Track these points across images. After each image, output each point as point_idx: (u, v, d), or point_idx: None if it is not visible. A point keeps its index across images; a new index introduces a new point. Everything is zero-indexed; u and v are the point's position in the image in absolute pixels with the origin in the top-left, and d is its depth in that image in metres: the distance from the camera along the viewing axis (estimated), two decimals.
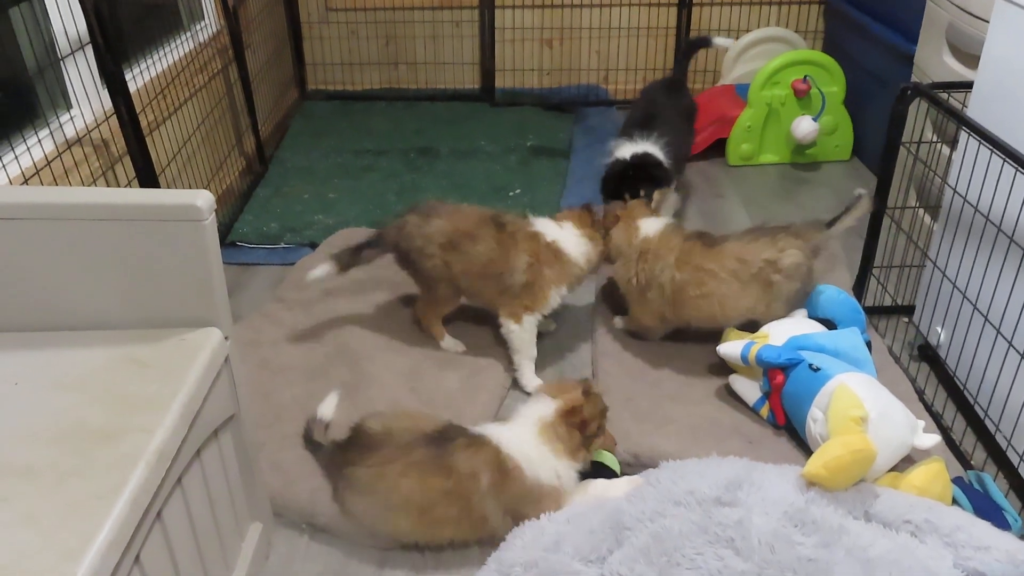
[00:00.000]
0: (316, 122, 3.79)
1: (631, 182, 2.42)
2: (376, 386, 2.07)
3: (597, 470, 1.74)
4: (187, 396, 1.27)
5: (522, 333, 2.09)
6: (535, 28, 3.99)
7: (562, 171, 3.29)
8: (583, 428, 1.63)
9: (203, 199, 1.34)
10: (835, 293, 2.03)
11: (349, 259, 2.17)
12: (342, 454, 1.68)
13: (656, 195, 2.29)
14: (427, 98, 4.01)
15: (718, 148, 3.42)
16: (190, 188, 2.68)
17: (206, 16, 3.18)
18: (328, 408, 1.85)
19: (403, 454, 1.59)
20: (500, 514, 1.58)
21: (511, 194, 3.10)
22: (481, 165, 3.34)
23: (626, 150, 2.54)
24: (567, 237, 2.09)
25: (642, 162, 2.48)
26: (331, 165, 3.36)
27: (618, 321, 2.30)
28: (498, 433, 1.62)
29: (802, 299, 2.06)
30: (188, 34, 3.00)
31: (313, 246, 2.77)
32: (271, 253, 2.78)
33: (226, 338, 1.43)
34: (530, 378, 2.12)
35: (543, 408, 1.65)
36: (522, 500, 1.58)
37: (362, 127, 3.72)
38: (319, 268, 2.16)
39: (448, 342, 2.25)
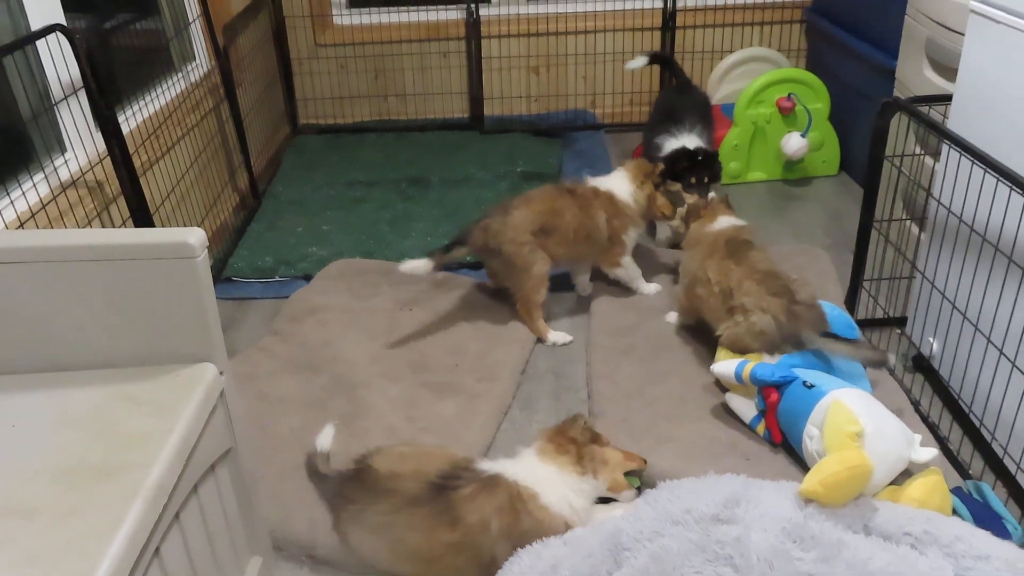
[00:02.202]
0: (308, 156, 3.83)
1: (693, 171, 2.65)
2: (373, 415, 2.08)
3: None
4: (183, 432, 1.28)
5: (625, 272, 2.53)
6: (521, 56, 4.04)
7: None
8: (573, 440, 1.66)
9: (195, 237, 1.36)
10: (828, 309, 2.05)
11: (442, 258, 2.36)
12: (346, 490, 1.68)
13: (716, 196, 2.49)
14: (417, 128, 4.06)
15: None
16: (184, 226, 2.72)
17: (197, 56, 3.22)
18: (326, 440, 1.85)
19: (409, 506, 1.57)
20: (511, 551, 1.57)
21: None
22: (472, 192, 3.38)
23: (683, 141, 2.79)
24: (622, 189, 2.47)
25: (705, 154, 2.69)
26: (324, 197, 3.39)
27: (671, 316, 2.39)
28: (509, 467, 1.62)
29: (782, 349, 1.99)
30: (180, 75, 3.05)
31: (307, 278, 2.79)
32: (266, 287, 2.80)
33: (221, 373, 1.44)
34: (646, 287, 2.57)
35: (534, 444, 1.67)
36: (535, 533, 1.57)
37: (354, 159, 3.76)
38: (416, 262, 2.32)
39: (554, 335, 2.43)
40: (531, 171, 3.54)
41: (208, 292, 1.39)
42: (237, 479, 1.53)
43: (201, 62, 3.23)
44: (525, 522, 1.56)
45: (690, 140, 2.81)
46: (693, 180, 2.61)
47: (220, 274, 2.86)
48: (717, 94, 3.82)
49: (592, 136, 3.95)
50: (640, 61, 3.31)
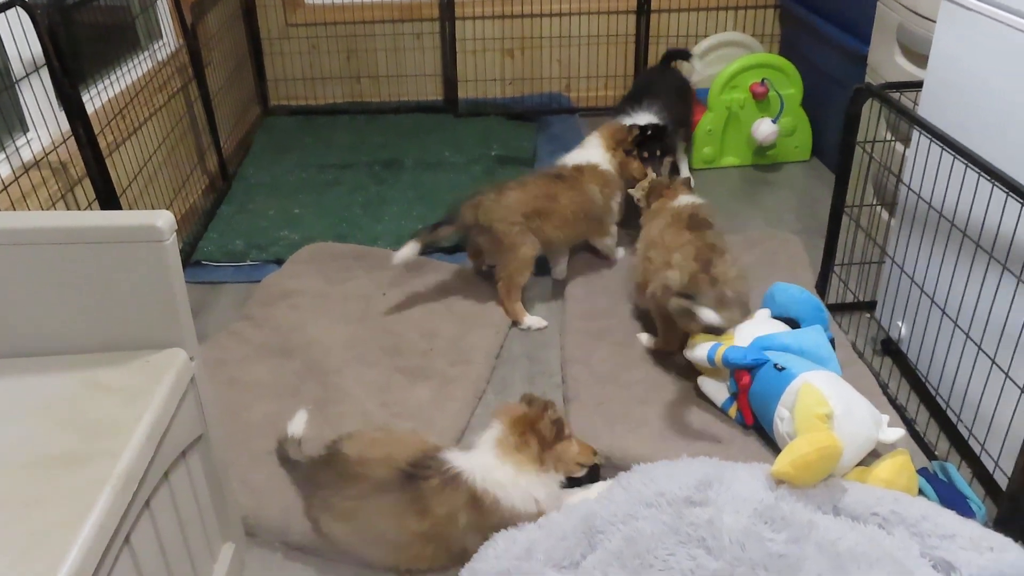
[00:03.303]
0: (279, 138, 3.77)
1: (644, 146, 2.68)
2: (347, 400, 2.07)
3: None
4: (153, 418, 1.26)
5: (613, 240, 2.64)
6: (496, 38, 4.01)
7: None
8: (535, 433, 1.62)
9: (163, 220, 1.34)
10: (797, 292, 2.07)
11: (428, 237, 2.37)
12: (317, 474, 1.67)
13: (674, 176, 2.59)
14: (391, 111, 4.02)
15: None
16: (152, 208, 2.67)
17: (164, 34, 3.15)
18: (298, 425, 1.84)
19: (378, 492, 1.56)
20: (481, 541, 1.55)
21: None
22: (446, 176, 3.36)
23: (638, 119, 2.83)
24: (601, 158, 2.58)
25: (655, 128, 2.72)
26: (295, 180, 3.35)
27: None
28: (469, 464, 1.58)
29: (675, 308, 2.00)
30: (146, 53, 2.98)
31: (279, 262, 2.76)
32: (237, 271, 2.76)
33: (191, 358, 1.42)
34: (619, 252, 2.71)
35: (493, 430, 1.64)
36: (504, 527, 1.56)
37: (326, 141, 3.72)
38: (404, 249, 2.33)
39: (529, 320, 2.44)
40: (505, 155, 3.52)
41: (177, 276, 1.37)
42: (209, 466, 1.52)
43: (168, 40, 3.16)
44: (492, 519, 1.55)
45: (646, 118, 2.85)
46: (645, 154, 2.66)
47: (189, 258, 2.82)
48: (691, 79, 3.83)
49: (566, 120, 3.94)
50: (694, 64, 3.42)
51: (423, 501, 1.54)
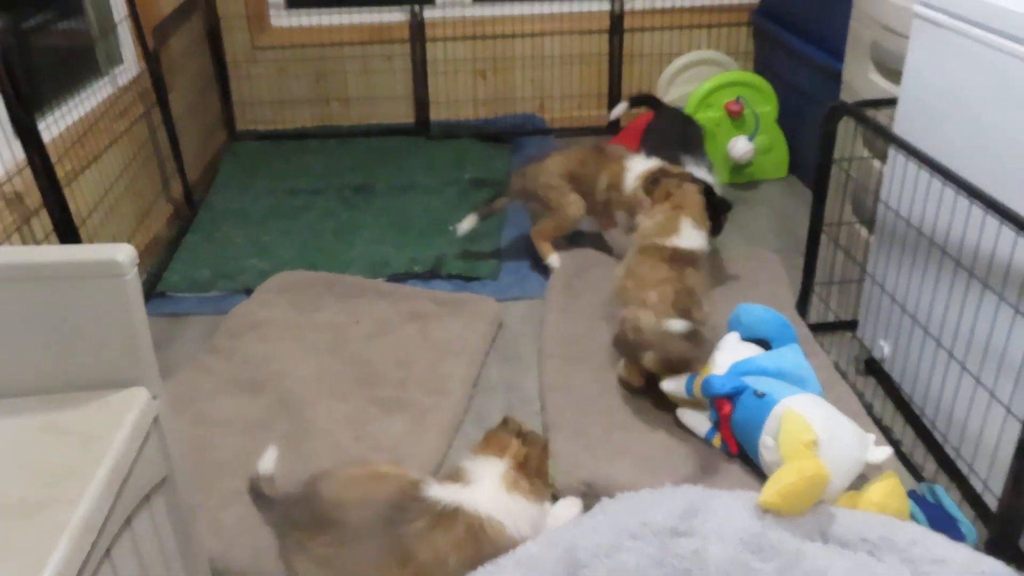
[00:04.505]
0: (247, 163, 3.75)
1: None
2: (319, 435, 2.04)
3: None
4: (112, 462, 1.23)
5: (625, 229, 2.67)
6: (468, 59, 4.03)
7: None
8: (539, 472, 1.64)
9: (124, 253, 1.31)
10: (762, 312, 2.08)
11: (486, 209, 2.77)
12: (292, 515, 1.63)
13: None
14: (361, 134, 4.01)
15: None
16: (114, 240, 2.63)
17: (125, 59, 3.13)
18: (268, 463, 1.80)
19: (356, 540, 1.51)
20: None
21: (450, 228, 3.10)
22: (420, 199, 3.35)
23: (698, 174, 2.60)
24: (633, 172, 2.60)
25: (724, 202, 2.54)
26: (264, 207, 3.33)
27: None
28: (470, 498, 1.56)
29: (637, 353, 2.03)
30: (106, 78, 2.95)
31: (248, 292, 2.73)
32: (203, 302, 2.73)
33: (154, 397, 1.39)
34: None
35: (497, 467, 1.62)
36: (494, 557, 1.54)
37: (295, 166, 3.70)
38: (465, 222, 2.74)
39: (553, 258, 2.74)
40: (479, 177, 3.53)
41: (139, 312, 1.34)
42: (174, 509, 1.48)
43: (130, 65, 3.14)
44: (487, 551, 1.53)
45: (703, 175, 2.67)
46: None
47: (153, 289, 2.78)
48: (666, 98, 3.87)
49: (542, 141, 3.95)
50: (620, 108, 3.27)
51: (405, 548, 1.50)
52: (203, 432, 2.07)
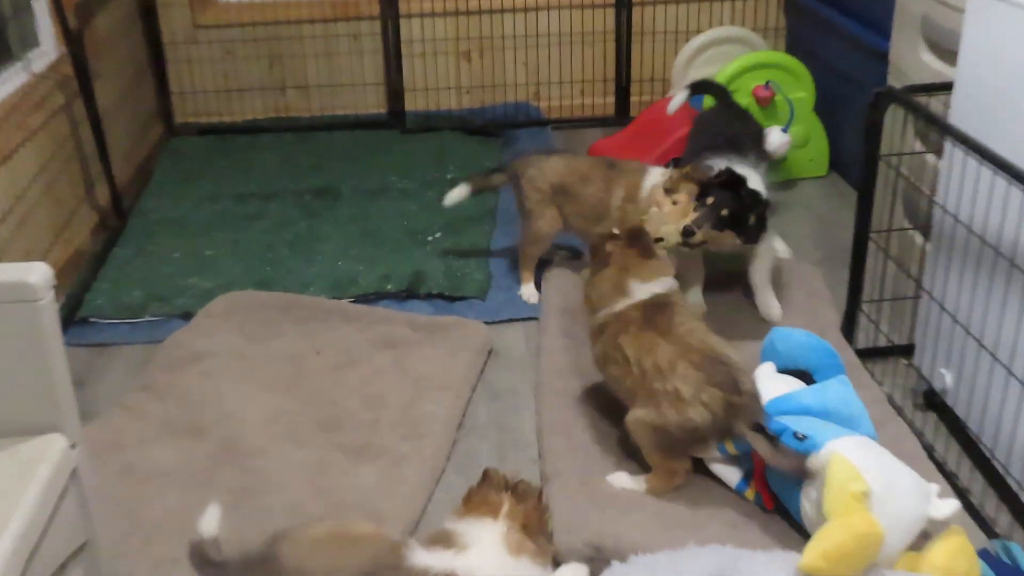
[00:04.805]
0: (187, 163, 3.75)
1: (728, 204, 2.34)
2: (273, 489, 2.03)
3: None
4: (22, 524, 1.21)
5: None
6: (449, 39, 4.05)
7: (490, 208, 3.32)
8: (541, 530, 1.65)
9: (38, 274, 1.32)
10: (802, 337, 2.07)
11: (481, 181, 2.87)
12: None
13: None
14: (324, 127, 4.02)
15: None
16: (27, 257, 2.61)
17: (42, 41, 3.13)
18: (211, 524, 1.78)
19: None
20: None
21: (430, 238, 3.11)
22: (393, 205, 3.35)
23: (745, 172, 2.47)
24: (648, 184, 2.61)
25: (755, 197, 2.39)
26: (207, 215, 3.32)
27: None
28: (468, 565, 1.54)
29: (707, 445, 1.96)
30: (19, 64, 2.95)
31: (187, 317, 2.72)
32: (133, 329, 2.72)
33: (73, 445, 1.39)
34: None
35: (495, 528, 1.61)
36: None
37: (245, 167, 3.70)
38: (455, 191, 2.83)
39: (526, 290, 2.80)
40: (464, 178, 3.51)
41: (55, 344, 1.34)
42: None
43: (47, 48, 3.14)
44: None
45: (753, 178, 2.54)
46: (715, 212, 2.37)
47: (74, 314, 2.76)
48: (684, 82, 3.88)
49: (538, 134, 3.97)
50: (679, 98, 3.15)
51: None
52: (132, 487, 2.05)
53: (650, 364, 1.93)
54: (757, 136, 2.93)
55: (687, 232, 2.28)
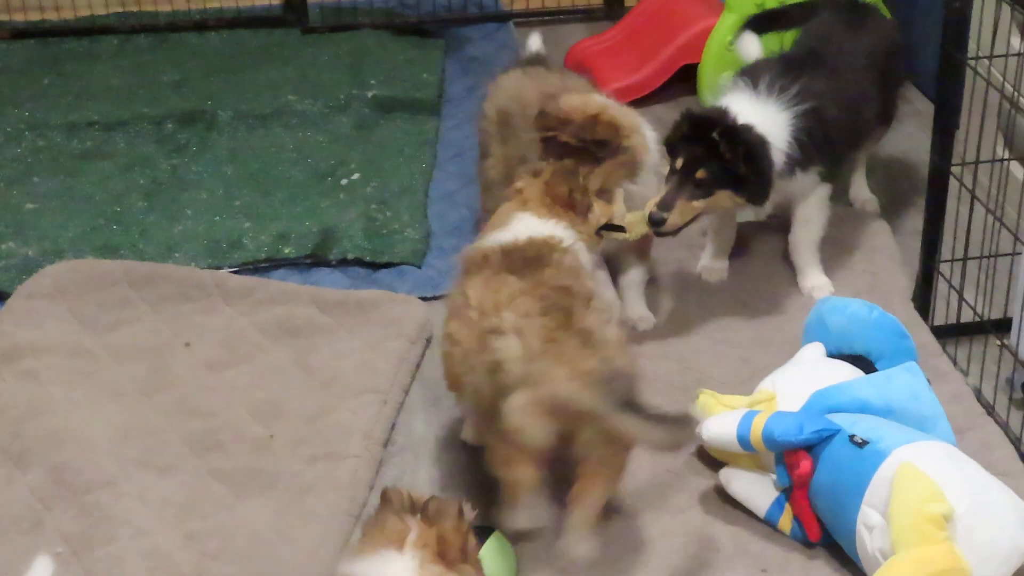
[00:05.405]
0: None
1: (702, 158, 2.38)
2: (125, 536, 2.03)
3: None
4: None
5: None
6: None
7: (427, 138, 3.33)
8: (464, 555, 1.66)
9: None
10: (858, 311, 2.10)
11: None
12: None
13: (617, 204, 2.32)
14: (192, 27, 3.99)
15: (687, 80, 3.51)
16: None
17: None
18: None
19: None
20: None
21: (344, 182, 3.11)
22: (291, 136, 3.34)
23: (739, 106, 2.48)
24: None
25: (733, 135, 2.39)
26: (25, 152, 3.31)
27: None
28: None
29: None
30: None
31: (1, 297, 2.71)
32: None
33: None
34: None
35: (403, 565, 1.64)
36: None
37: (79, 84, 3.67)
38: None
39: None
40: (391, 96, 3.54)
41: None
42: None
43: None
44: None
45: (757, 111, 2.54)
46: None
47: None
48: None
49: (495, 33, 3.97)
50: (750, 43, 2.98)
51: None
52: None
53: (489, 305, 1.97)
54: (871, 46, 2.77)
55: (654, 220, 2.29)
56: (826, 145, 2.51)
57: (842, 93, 2.59)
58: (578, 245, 2.13)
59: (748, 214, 2.74)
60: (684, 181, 2.32)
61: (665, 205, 2.30)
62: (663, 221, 2.29)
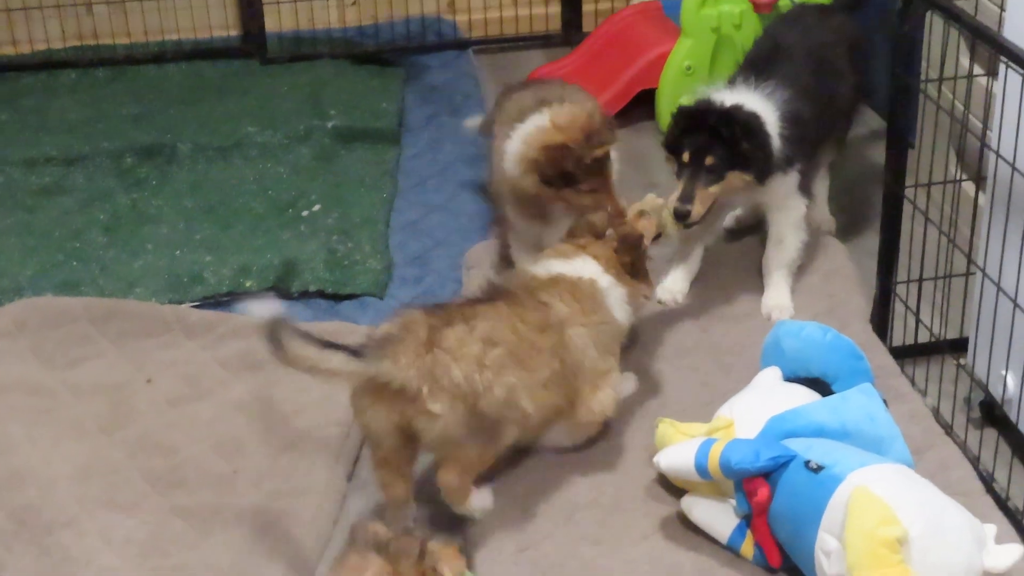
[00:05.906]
0: None
1: (707, 146, 2.49)
2: (88, 575, 2.02)
3: None
4: None
5: None
6: None
7: (388, 167, 3.35)
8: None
9: None
10: (816, 333, 2.11)
11: None
12: None
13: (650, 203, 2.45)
14: (150, 59, 3.99)
15: (645, 105, 3.54)
16: None
17: None
18: None
19: None
20: None
21: (304, 213, 3.12)
22: (251, 168, 3.35)
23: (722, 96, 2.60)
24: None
25: (728, 117, 2.51)
26: None
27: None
28: None
29: None
30: None
31: None
32: None
33: None
34: None
35: None
36: None
37: (38, 119, 3.67)
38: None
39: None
40: (350, 126, 3.55)
41: None
42: None
43: None
44: None
45: (743, 98, 2.64)
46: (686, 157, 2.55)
47: None
48: None
49: (454, 61, 3.98)
50: None
51: None
52: None
53: None
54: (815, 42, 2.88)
55: (679, 215, 2.44)
56: (804, 133, 2.60)
57: (811, 86, 2.71)
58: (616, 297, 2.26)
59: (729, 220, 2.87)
60: (696, 172, 2.46)
61: (686, 197, 2.44)
62: (688, 213, 2.44)
